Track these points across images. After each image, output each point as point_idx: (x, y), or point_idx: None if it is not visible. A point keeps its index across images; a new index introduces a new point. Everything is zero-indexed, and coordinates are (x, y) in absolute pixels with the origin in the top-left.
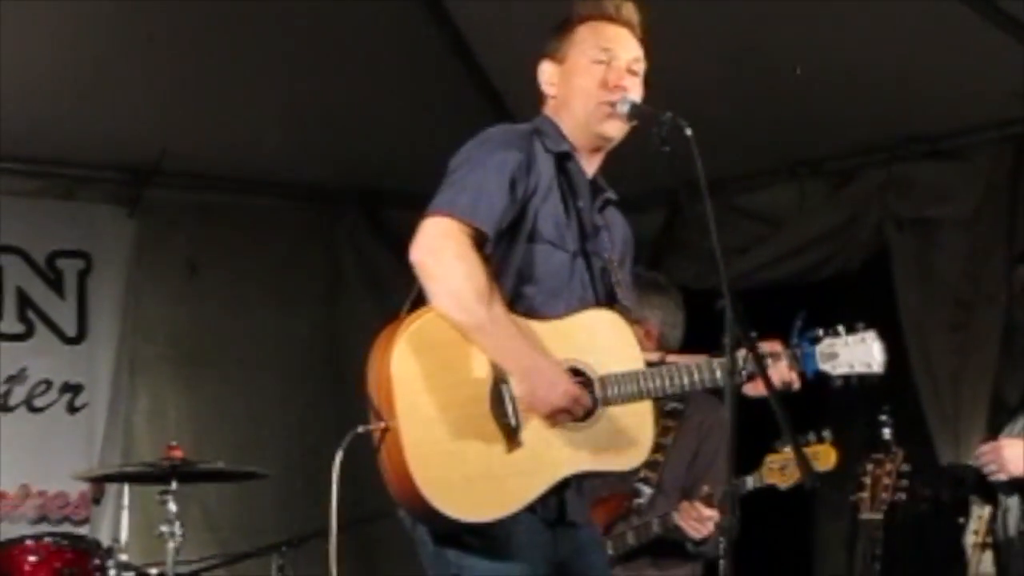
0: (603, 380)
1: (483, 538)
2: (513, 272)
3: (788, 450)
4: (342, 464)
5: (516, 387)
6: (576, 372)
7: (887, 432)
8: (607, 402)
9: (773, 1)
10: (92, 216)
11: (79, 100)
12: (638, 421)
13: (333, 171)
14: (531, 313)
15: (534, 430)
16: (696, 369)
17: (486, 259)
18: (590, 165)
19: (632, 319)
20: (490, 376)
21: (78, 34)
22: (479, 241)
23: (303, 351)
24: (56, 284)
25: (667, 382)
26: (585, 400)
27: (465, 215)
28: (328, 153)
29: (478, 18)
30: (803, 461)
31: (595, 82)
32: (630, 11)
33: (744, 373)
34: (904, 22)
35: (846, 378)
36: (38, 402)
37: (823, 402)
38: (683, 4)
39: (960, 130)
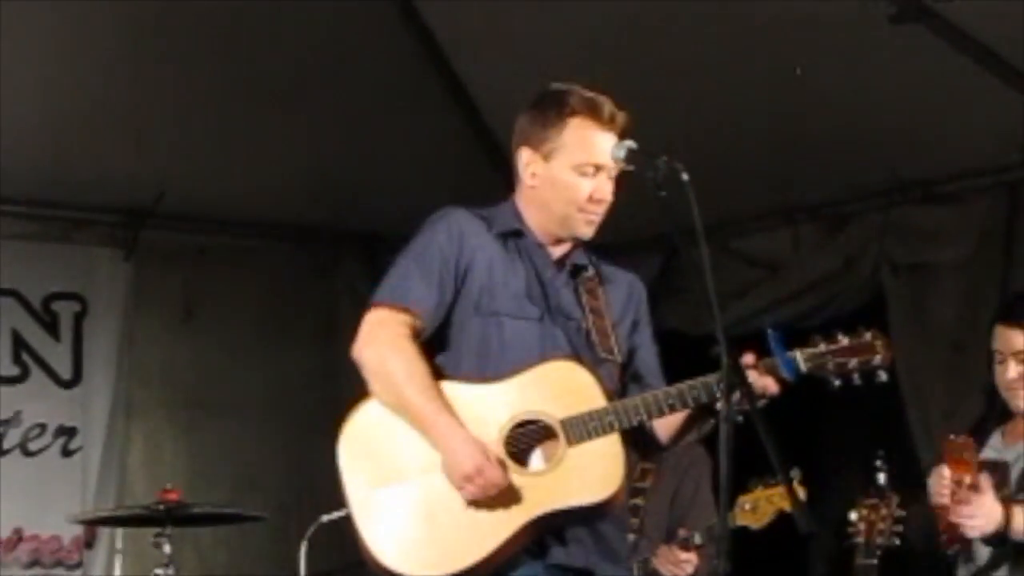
0: (564, 423)
1: None
2: (471, 348)
3: (759, 489)
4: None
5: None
6: (531, 423)
7: (882, 476)
8: (571, 442)
9: (768, 47)
10: (88, 259)
11: (75, 142)
12: (606, 452)
13: (331, 214)
14: (492, 380)
15: None
16: (668, 395)
17: (427, 342)
18: (557, 248)
19: (609, 368)
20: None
21: (74, 77)
22: (416, 322)
23: (299, 395)
24: (51, 327)
25: (634, 412)
26: (493, 475)
27: (393, 302)
28: (326, 196)
29: (476, 64)
30: (797, 505)
31: (581, 194)
32: (623, 120)
33: (719, 392)
34: (900, 67)
35: (845, 378)
36: (32, 445)
37: (817, 446)
38: (680, 50)
39: (956, 175)
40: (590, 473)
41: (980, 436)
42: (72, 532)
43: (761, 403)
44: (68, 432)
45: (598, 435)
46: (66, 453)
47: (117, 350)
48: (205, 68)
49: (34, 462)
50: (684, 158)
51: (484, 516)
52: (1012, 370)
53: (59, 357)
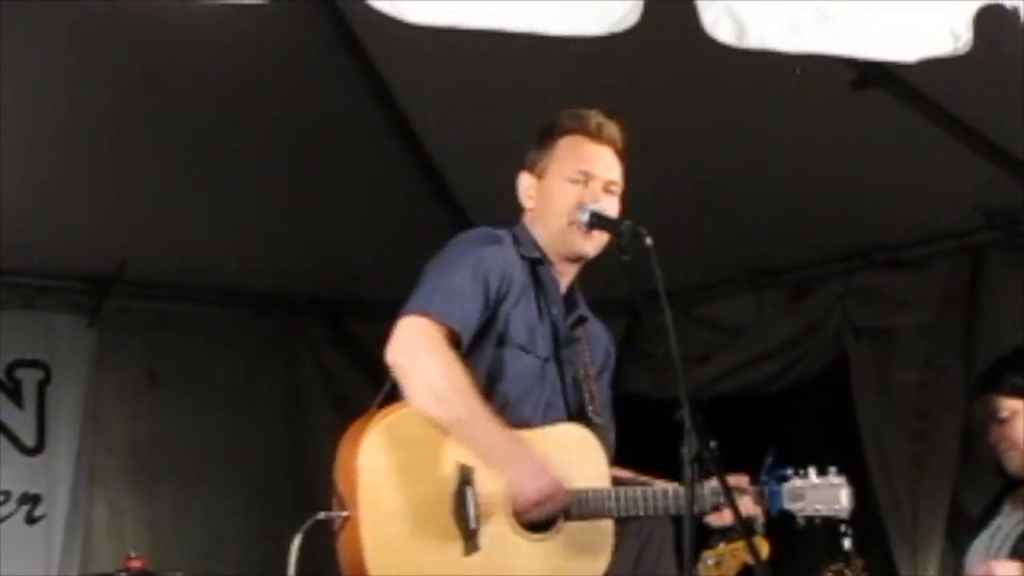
0: (571, 495)
1: None
2: (482, 375)
3: (722, 545)
4: (306, 556)
5: (502, 478)
6: None
7: (847, 542)
8: (569, 516)
9: (732, 112)
10: (51, 326)
11: (38, 209)
12: (599, 538)
13: (295, 281)
14: (500, 418)
15: (493, 536)
16: (665, 495)
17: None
18: (565, 277)
19: (602, 434)
20: (455, 477)
21: (36, 145)
22: (454, 341)
23: (264, 461)
24: (15, 394)
25: (633, 504)
26: (561, 498)
27: (440, 316)
28: (290, 263)
29: (440, 129)
30: (758, 560)
31: (570, 202)
32: (612, 130)
33: (710, 504)
34: (862, 133)
35: (810, 519)
36: None
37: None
38: (642, 115)
39: (918, 240)
40: (583, 554)
41: (994, 510)
42: None
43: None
44: (32, 499)
45: (596, 517)
46: (30, 520)
47: (81, 417)
48: (166, 136)
49: None
50: (648, 223)
51: (484, 569)
52: (993, 434)
53: (23, 424)
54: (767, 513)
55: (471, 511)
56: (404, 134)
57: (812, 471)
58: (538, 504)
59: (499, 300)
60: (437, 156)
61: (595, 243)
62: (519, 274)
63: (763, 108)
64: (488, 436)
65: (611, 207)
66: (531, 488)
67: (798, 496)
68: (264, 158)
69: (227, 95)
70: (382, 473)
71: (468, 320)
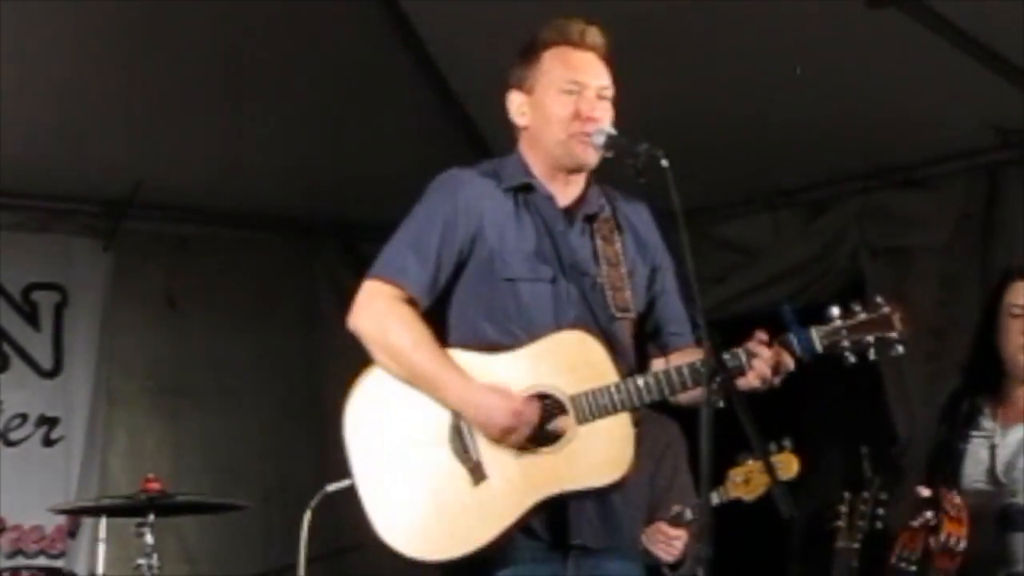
0: (573, 400)
1: (485, 567)
2: (483, 315)
3: (750, 462)
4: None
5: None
6: (544, 396)
7: (865, 463)
8: (582, 421)
9: (748, 33)
10: (68, 249)
11: (54, 133)
12: (616, 434)
13: (310, 203)
14: (502, 348)
15: (502, 461)
16: (679, 372)
17: (440, 311)
18: (567, 190)
19: (604, 338)
20: (449, 415)
21: (52, 67)
22: (411, 297)
23: (281, 383)
24: (32, 317)
25: (641, 394)
26: (530, 413)
27: (392, 276)
28: (305, 185)
29: (454, 51)
30: (774, 482)
31: (567, 113)
32: (595, 35)
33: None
34: (878, 52)
35: (861, 354)
36: (14, 435)
37: (800, 428)
38: (659, 34)
39: (934, 160)
40: (600, 455)
41: (960, 411)
42: (55, 521)
43: (776, 381)
44: (50, 422)
45: (606, 414)
46: (48, 443)
47: (98, 340)
48: (183, 58)
49: (16, 452)
50: (664, 144)
51: (492, 497)
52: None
53: (40, 347)
54: (799, 361)
55: (469, 444)
56: (422, 59)
57: (856, 305)
58: (509, 430)
59: (468, 243)
60: (453, 79)
61: (592, 154)
62: (497, 207)
63: (779, 27)
64: (444, 384)
65: (606, 113)
66: (491, 427)
67: (834, 334)
68: (280, 80)
69: (244, 20)
70: (368, 433)
71: (420, 278)
